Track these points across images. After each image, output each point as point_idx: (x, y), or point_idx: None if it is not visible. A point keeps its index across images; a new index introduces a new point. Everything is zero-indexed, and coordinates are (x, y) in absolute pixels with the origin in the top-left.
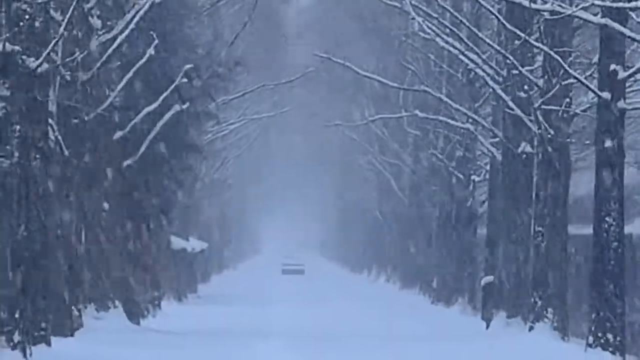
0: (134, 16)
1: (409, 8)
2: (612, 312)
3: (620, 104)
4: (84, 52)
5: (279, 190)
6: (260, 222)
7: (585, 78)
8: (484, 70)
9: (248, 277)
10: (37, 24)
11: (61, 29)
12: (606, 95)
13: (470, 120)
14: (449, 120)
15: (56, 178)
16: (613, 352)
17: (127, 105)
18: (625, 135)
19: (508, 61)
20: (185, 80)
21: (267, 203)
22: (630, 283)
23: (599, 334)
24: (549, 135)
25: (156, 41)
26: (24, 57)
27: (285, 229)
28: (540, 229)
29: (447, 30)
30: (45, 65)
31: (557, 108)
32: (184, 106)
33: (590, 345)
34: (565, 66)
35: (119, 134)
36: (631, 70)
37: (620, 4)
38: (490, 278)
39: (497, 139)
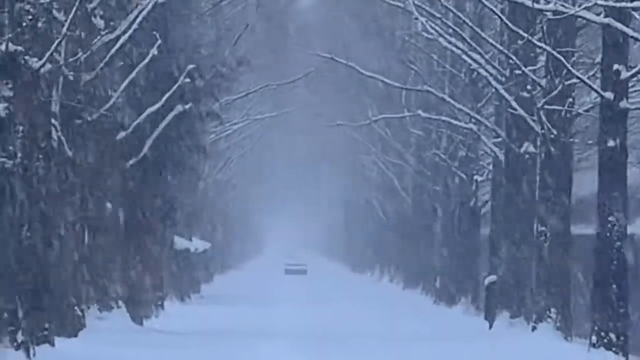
0: (137, 16)
1: (412, 8)
2: (615, 312)
3: (623, 103)
4: (87, 52)
5: (282, 190)
6: (263, 222)
7: (588, 78)
8: (486, 70)
9: (251, 277)
10: (40, 24)
11: (64, 29)
12: (609, 95)
13: (473, 120)
14: (452, 120)
15: (59, 178)
16: (616, 352)
17: (130, 106)
18: (628, 135)
19: (511, 61)
20: (188, 80)
21: (270, 203)
22: (633, 283)
23: (602, 334)
24: (552, 135)
25: (159, 41)
26: (26, 57)
27: (288, 229)
28: (543, 228)
29: (450, 30)
30: (48, 66)
31: (560, 108)
32: (187, 106)
33: (593, 345)
34: (568, 66)
35: (122, 134)
36: (634, 70)
37: (623, 4)
38: (493, 278)
39: (500, 139)
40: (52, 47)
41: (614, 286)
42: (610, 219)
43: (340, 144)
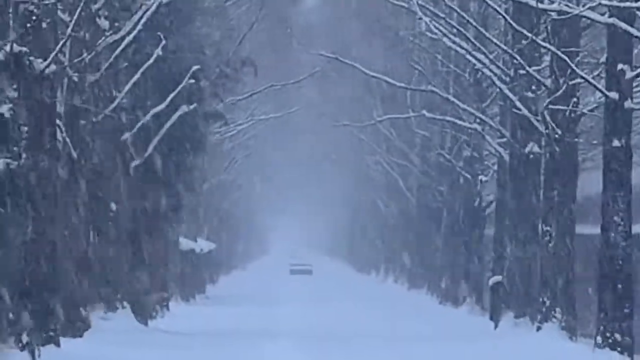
0: (141, 17)
1: (416, 8)
2: (620, 312)
3: (628, 103)
4: (91, 53)
5: (287, 191)
6: (268, 222)
7: (593, 78)
8: (491, 70)
9: (256, 278)
10: (44, 25)
11: (69, 30)
12: (614, 95)
13: (477, 120)
14: (457, 121)
15: (64, 179)
16: (621, 352)
17: (135, 106)
18: (632, 134)
19: (515, 61)
20: (192, 81)
21: (275, 203)
22: (638, 283)
23: (607, 334)
24: (557, 135)
25: (164, 42)
26: (31, 58)
27: (293, 229)
28: (548, 228)
29: (454, 30)
30: (53, 67)
31: (565, 108)
32: (192, 107)
33: (598, 345)
34: (573, 66)
35: (126, 135)
36: (639, 70)
37: (628, 4)
38: (498, 278)
39: (505, 139)
40: (57, 48)
41: (619, 286)
42: (615, 218)
43: (345, 144)
